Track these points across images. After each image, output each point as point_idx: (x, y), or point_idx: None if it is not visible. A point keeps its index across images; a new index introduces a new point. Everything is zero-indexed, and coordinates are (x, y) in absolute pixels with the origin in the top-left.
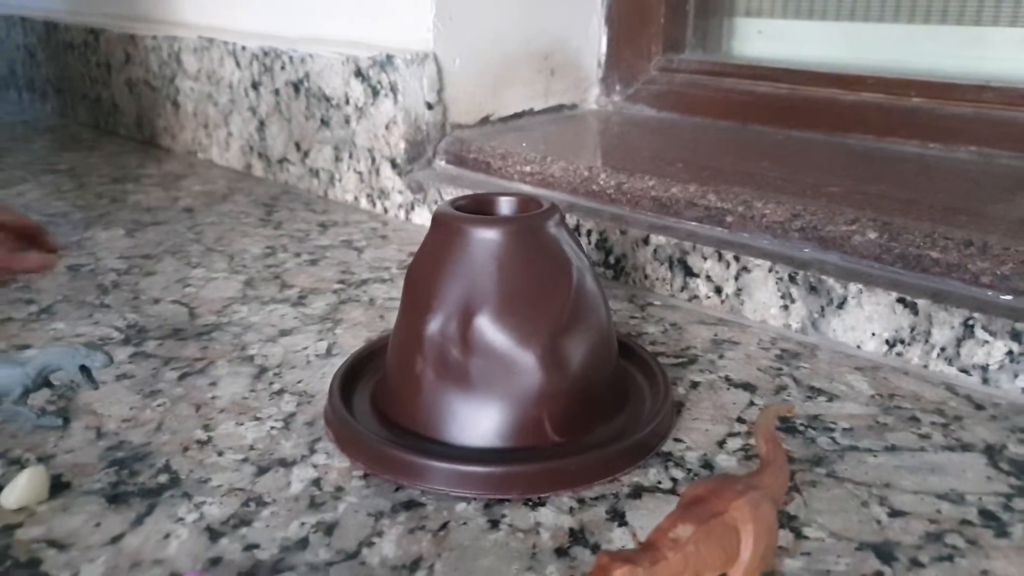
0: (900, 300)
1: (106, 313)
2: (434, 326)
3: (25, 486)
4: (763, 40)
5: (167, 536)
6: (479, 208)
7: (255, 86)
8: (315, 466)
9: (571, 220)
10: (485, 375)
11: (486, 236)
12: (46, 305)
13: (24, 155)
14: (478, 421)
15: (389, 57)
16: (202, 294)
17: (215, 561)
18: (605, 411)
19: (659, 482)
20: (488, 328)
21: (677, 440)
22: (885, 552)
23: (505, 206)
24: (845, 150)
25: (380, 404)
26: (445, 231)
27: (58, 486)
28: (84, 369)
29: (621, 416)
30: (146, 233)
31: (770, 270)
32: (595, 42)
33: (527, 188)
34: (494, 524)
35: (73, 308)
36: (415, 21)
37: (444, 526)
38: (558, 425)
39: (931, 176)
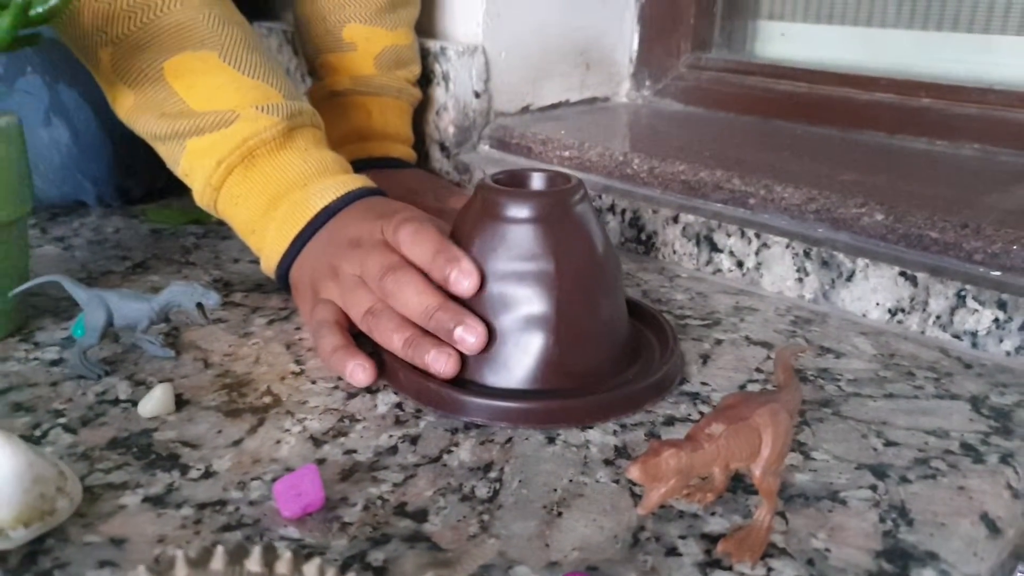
0: (902, 274)
1: (193, 270)
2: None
3: (160, 398)
4: (785, 42)
5: (278, 442)
6: (514, 182)
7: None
8: (396, 393)
9: (607, 200)
10: (511, 329)
11: (519, 209)
12: (139, 260)
13: None
14: (508, 368)
15: (443, 48)
16: None
17: (320, 461)
18: (620, 361)
19: (689, 414)
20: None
21: (704, 383)
22: (879, 471)
23: (538, 181)
24: (858, 145)
25: None
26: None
27: (180, 402)
28: (199, 306)
29: (635, 365)
30: None
31: (787, 246)
32: (628, 39)
33: (567, 171)
34: (551, 440)
35: (163, 264)
36: (467, 16)
37: (509, 440)
38: (573, 371)
39: (936, 170)
